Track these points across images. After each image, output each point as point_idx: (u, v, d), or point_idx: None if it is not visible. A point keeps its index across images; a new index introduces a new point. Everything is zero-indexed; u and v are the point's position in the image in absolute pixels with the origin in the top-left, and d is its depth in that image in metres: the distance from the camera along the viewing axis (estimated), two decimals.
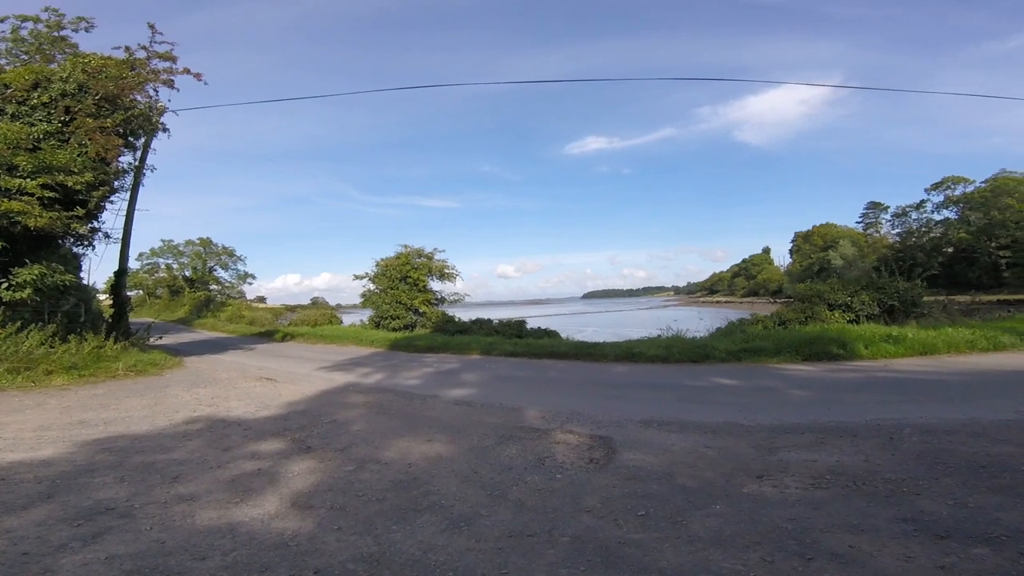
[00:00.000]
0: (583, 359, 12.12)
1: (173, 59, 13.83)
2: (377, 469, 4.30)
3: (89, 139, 11.08)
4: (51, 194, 10.11)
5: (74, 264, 15.90)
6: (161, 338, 15.83)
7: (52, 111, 11.09)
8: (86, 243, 13.43)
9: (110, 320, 14.15)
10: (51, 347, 9.76)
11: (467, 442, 5.13)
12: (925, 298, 14.84)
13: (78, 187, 10.54)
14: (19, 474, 4.23)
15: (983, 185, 52.36)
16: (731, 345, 11.73)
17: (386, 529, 3.19)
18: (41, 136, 10.69)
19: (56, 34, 13.87)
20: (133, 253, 54.00)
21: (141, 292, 55.57)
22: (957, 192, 54.71)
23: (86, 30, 14.06)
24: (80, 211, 10.77)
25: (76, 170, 10.47)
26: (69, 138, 11.06)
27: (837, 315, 13.93)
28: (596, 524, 3.25)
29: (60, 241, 12.16)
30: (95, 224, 13.18)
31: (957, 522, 3.03)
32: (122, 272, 15.89)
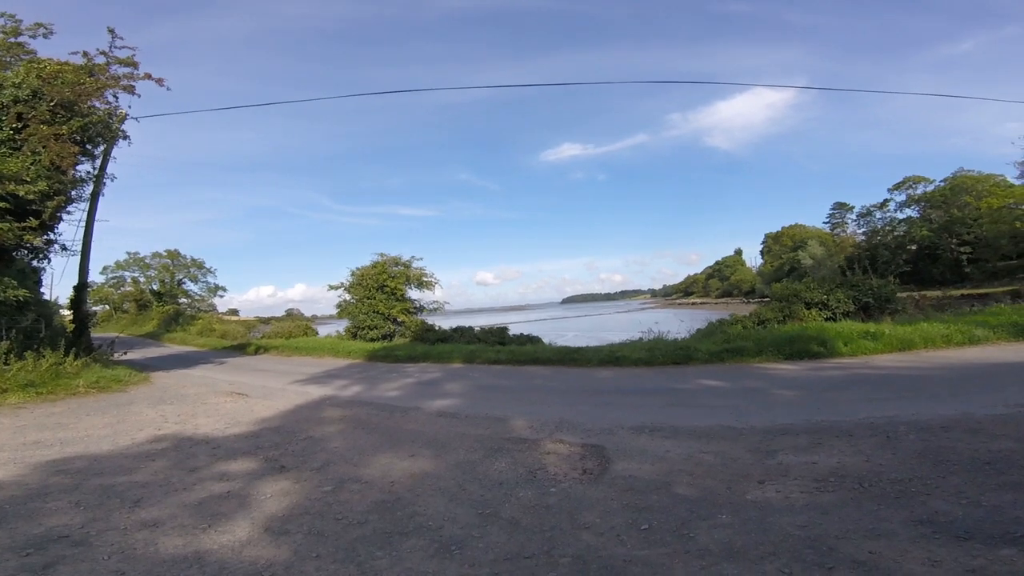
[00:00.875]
0: (567, 365, 11.95)
1: (134, 64, 13.35)
2: (357, 489, 4.00)
3: (43, 147, 10.55)
4: (1, 204, 9.48)
5: (33, 279, 15.07)
6: (126, 353, 15.03)
7: (3, 118, 10.52)
8: (41, 256, 12.80)
9: (71, 335, 13.35)
10: (5, 364, 9.10)
11: (453, 456, 4.86)
12: (898, 295, 15.20)
13: (30, 196, 9.99)
14: None
15: (943, 184, 54.51)
16: (713, 346, 11.75)
17: (369, 556, 2.91)
18: None
19: (13, 40, 13.19)
20: (96, 266, 51.96)
21: (107, 307, 53.48)
22: (918, 191, 56.84)
23: (44, 36, 13.41)
24: (33, 222, 10.15)
25: (28, 179, 9.93)
26: (21, 146, 10.46)
27: (815, 313, 14.15)
28: (597, 542, 3.04)
29: (14, 254, 11.49)
30: (51, 236, 12.57)
31: (976, 522, 2.92)
32: (82, 286, 15.10)
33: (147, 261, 54.83)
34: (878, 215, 62.30)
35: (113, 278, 54.55)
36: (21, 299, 10.24)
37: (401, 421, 6.50)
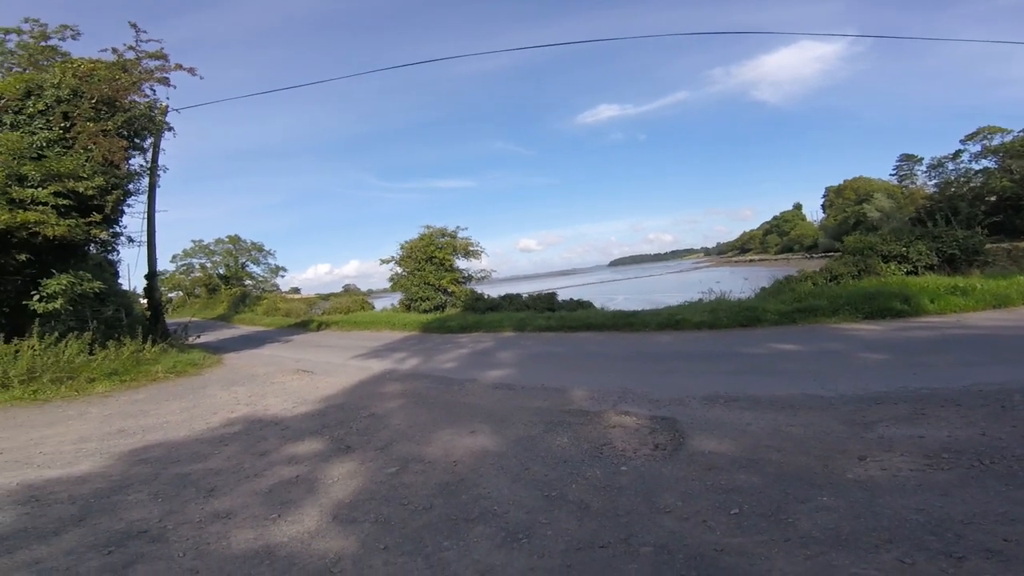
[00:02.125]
0: (622, 330, 11.56)
1: (164, 57, 13.45)
2: (421, 470, 3.93)
3: (93, 143, 10.87)
4: (65, 202, 9.91)
5: (110, 271, 16.19)
6: (199, 336, 16.03)
7: (50, 118, 10.89)
8: (110, 249, 13.52)
9: (148, 323, 14.31)
10: (91, 354, 9.81)
11: (512, 432, 4.72)
12: (987, 246, 13.65)
13: (90, 192, 10.35)
14: (54, 493, 4.04)
15: (1021, 135, 48.76)
16: (782, 306, 11.00)
17: (437, 547, 2.80)
18: (44, 144, 10.55)
19: (44, 44, 13.73)
20: (166, 255, 55.54)
21: (181, 293, 57.38)
22: (995, 142, 51.27)
23: (72, 38, 13.78)
24: (97, 217, 10.61)
25: (85, 175, 10.27)
26: (72, 144, 10.92)
27: (893, 267, 13.08)
28: (681, 528, 2.78)
29: (87, 248, 12.21)
30: (116, 229, 13.16)
31: None
32: (152, 274, 16.01)
33: (211, 247, 57.88)
34: (951, 166, 56.88)
35: (183, 265, 58.12)
36: (97, 291, 10.87)
37: (458, 394, 6.45)
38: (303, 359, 11.13)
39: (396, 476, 3.84)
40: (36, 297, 9.96)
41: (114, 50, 12.94)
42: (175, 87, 13.83)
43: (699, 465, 3.65)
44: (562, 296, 18.28)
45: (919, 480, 3.08)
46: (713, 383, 5.91)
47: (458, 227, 20.46)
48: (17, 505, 3.85)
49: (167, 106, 14.38)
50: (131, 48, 13.16)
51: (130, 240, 14.45)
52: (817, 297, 11.29)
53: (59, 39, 13.72)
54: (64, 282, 10.06)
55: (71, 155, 10.55)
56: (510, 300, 17.88)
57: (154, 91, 13.40)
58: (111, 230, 12.45)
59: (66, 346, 9.40)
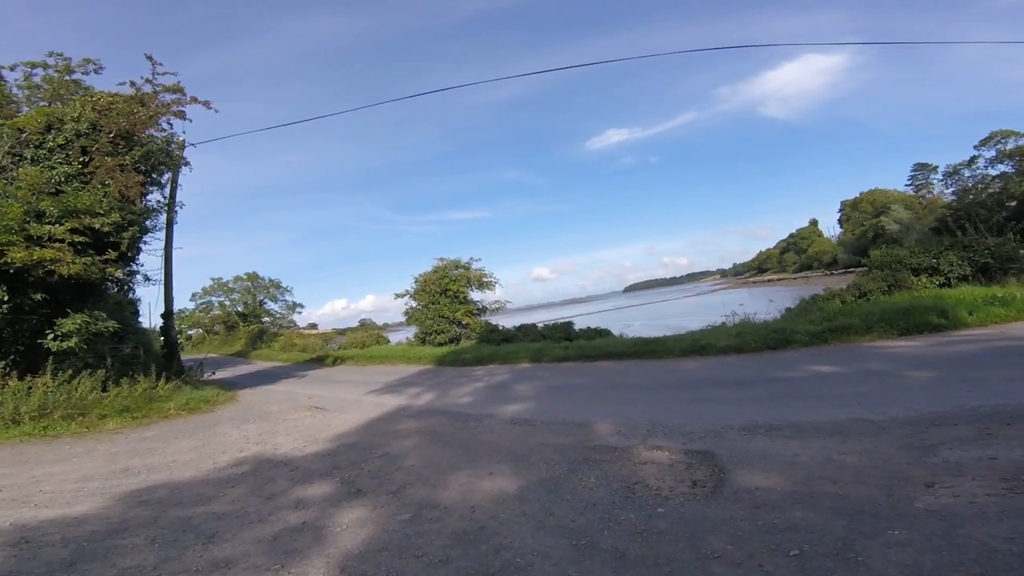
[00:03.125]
0: (644, 357, 11.15)
1: (180, 90, 13.54)
2: (436, 517, 3.59)
3: (110, 178, 10.82)
4: (81, 239, 9.79)
5: (130, 309, 16.29)
6: (215, 373, 15.94)
7: (69, 152, 10.90)
8: (126, 287, 13.42)
9: (162, 360, 14.27)
10: (104, 391, 9.71)
11: (534, 472, 4.36)
12: (1021, 251, 13.05)
13: (106, 229, 10.20)
14: (47, 535, 3.79)
15: None
16: (811, 326, 10.57)
17: None
18: (62, 179, 10.54)
19: (67, 78, 14.10)
20: (185, 292, 56.69)
21: (200, 330, 58.21)
22: (1009, 146, 50.52)
23: (96, 72, 14.03)
24: (113, 254, 10.53)
25: (102, 211, 10.19)
26: (90, 179, 10.84)
27: (924, 280, 12.56)
28: (735, 575, 2.41)
29: (104, 287, 12.17)
30: (133, 267, 13.15)
31: None
32: (168, 313, 16.07)
33: (230, 285, 58.96)
34: (967, 173, 56.05)
35: (202, 303, 59.17)
36: (111, 329, 10.83)
37: (475, 431, 6.10)
38: (317, 395, 10.89)
39: (410, 524, 3.51)
40: (51, 336, 9.95)
41: (132, 83, 13.08)
42: (191, 121, 14.01)
43: (746, 503, 3.30)
44: (578, 324, 17.90)
45: (1001, 506, 2.77)
46: (750, 411, 5.54)
47: (471, 258, 20.39)
48: (6, 547, 3.62)
49: (184, 140, 14.54)
50: (148, 81, 13.29)
51: (146, 279, 14.35)
52: (848, 315, 10.85)
53: (82, 73, 14.03)
54: (79, 321, 10.03)
55: (88, 190, 10.49)
56: (525, 331, 17.57)
57: (171, 125, 13.58)
58: (127, 268, 12.33)
59: (79, 383, 9.32)
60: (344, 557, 3.10)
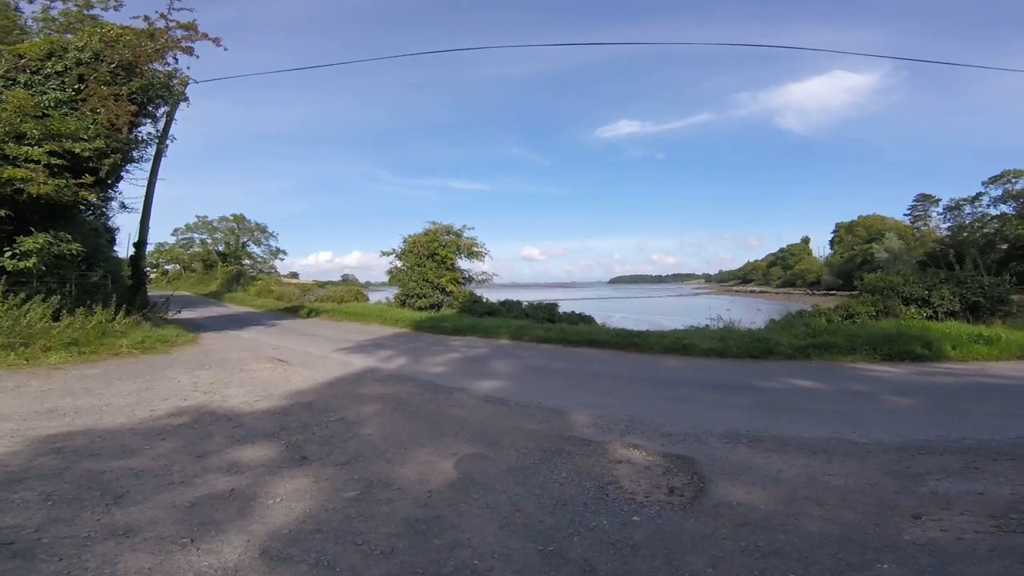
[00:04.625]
0: (626, 349, 10.85)
1: (193, 27, 13.19)
2: (387, 498, 3.19)
3: (102, 106, 10.66)
4: (59, 161, 9.62)
5: (107, 237, 15.61)
6: (180, 312, 15.27)
7: (65, 79, 10.74)
8: (99, 213, 13.08)
9: (127, 293, 13.57)
10: (55, 320, 9.09)
11: (504, 458, 3.99)
12: (1013, 296, 13.11)
13: (86, 154, 10.09)
14: None
15: None
16: (795, 340, 10.41)
17: None
18: (52, 104, 10.32)
19: (86, 12, 13.40)
20: (169, 228, 55.19)
21: (178, 266, 56.83)
22: (1018, 186, 50.55)
23: (115, 8, 13.63)
24: (89, 179, 10.22)
25: (86, 137, 10.03)
26: (80, 106, 10.68)
27: (913, 310, 12.51)
28: None
29: (77, 210, 11.65)
30: (110, 193, 12.77)
31: None
32: (141, 243, 15.32)
33: (214, 224, 57.62)
34: (968, 209, 56.10)
35: (183, 239, 57.80)
36: (75, 252, 10.22)
37: (445, 404, 5.71)
38: (283, 347, 10.39)
39: (355, 503, 3.10)
40: (8, 254, 9.31)
41: (146, 17, 12.73)
42: (198, 57, 13.52)
43: (728, 519, 3.01)
44: (562, 308, 17.57)
45: (991, 544, 2.69)
46: (732, 418, 5.27)
47: (464, 226, 19.76)
48: None
49: (188, 77, 14.06)
50: (162, 16, 12.88)
51: (123, 206, 14.22)
52: (833, 334, 10.72)
53: (102, 8, 13.62)
54: (40, 241, 9.49)
55: (76, 116, 10.31)
56: (509, 307, 17.16)
57: (176, 60, 13.14)
58: (104, 194, 12.07)
59: (28, 310, 8.65)
60: (269, 536, 2.69)
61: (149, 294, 17.01)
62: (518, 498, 3.24)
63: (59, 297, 9.54)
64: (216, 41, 13.62)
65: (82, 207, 11.67)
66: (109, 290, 11.96)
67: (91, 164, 10.39)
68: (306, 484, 3.36)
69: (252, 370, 7.52)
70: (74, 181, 10.03)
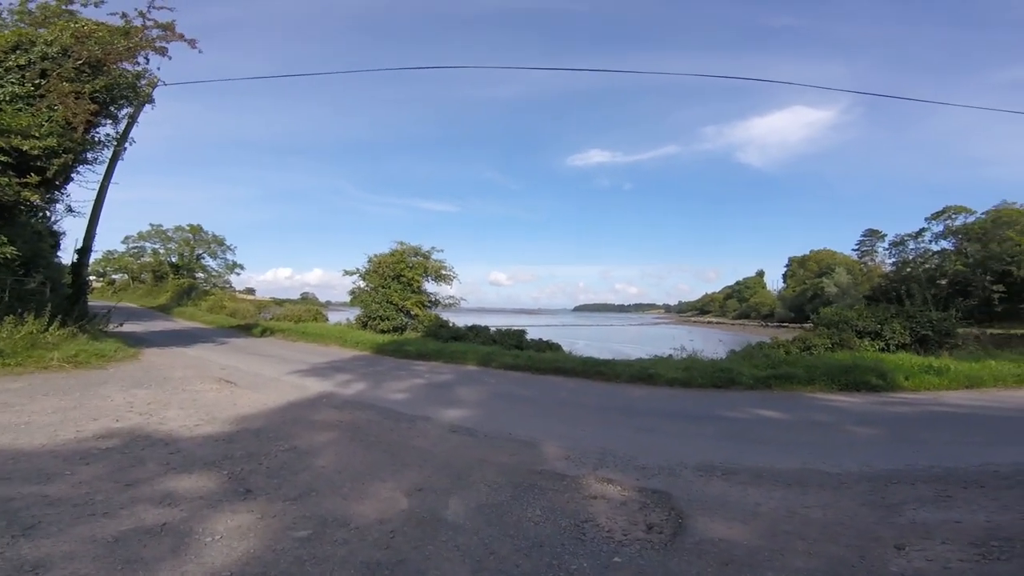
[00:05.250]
0: (593, 378, 10.75)
1: (171, 28, 12.85)
2: (343, 539, 2.86)
3: (60, 103, 10.16)
4: (2, 158, 9.02)
5: (50, 242, 14.50)
6: (122, 324, 14.22)
7: (27, 73, 10.24)
8: (42, 215, 12.22)
9: (66, 302, 12.53)
10: None
11: (472, 495, 3.71)
12: (959, 329, 13.93)
13: (35, 152, 9.44)
14: None
15: (984, 216, 52.07)
16: (756, 370, 10.60)
17: None
18: (7, 98, 9.77)
19: (65, 7, 12.76)
20: (118, 235, 52.37)
21: (126, 276, 53.79)
22: (958, 222, 54.40)
23: (96, 5, 12.95)
24: (34, 178, 9.53)
25: (37, 135, 9.45)
26: (37, 102, 10.09)
27: (867, 343, 13.07)
28: None
29: (19, 211, 10.81)
30: (56, 195, 11.96)
31: None
32: (85, 249, 14.30)
33: (169, 234, 55.18)
34: (911, 245, 59.85)
35: (134, 248, 55.00)
36: (9, 256, 9.40)
37: (407, 434, 5.37)
38: (232, 366, 9.72)
39: (307, 544, 2.76)
40: None
41: (124, 15, 12.38)
42: (171, 59, 13.16)
43: (712, 557, 2.89)
44: (529, 335, 17.41)
45: (978, 572, 2.73)
46: (702, 449, 5.20)
47: (433, 248, 19.44)
48: None
49: (157, 79, 13.62)
50: (141, 14, 12.53)
51: (70, 209, 13.39)
52: (792, 365, 11.01)
53: (81, 4, 12.89)
54: None
55: (30, 112, 9.78)
56: (477, 332, 16.85)
57: (147, 60, 12.76)
58: (49, 195, 11.32)
59: None
60: None
61: (91, 304, 15.85)
62: (490, 539, 2.98)
63: None
64: (192, 43, 13.33)
65: (23, 208, 10.81)
66: (46, 298, 11.08)
67: (39, 163, 9.87)
68: (250, 520, 2.99)
69: (196, 391, 6.94)
70: (17, 180, 9.44)
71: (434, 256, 19.28)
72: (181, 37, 13.00)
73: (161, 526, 2.83)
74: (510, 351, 13.86)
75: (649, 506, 3.67)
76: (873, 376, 9.94)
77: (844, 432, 6.31)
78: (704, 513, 3.52)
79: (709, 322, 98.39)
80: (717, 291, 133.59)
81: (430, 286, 19.25)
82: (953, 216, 54.85)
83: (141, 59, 12.58)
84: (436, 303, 19.34)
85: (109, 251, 53.24)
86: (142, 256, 54.77)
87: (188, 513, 3.03)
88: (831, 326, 13.71)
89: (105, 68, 11.12)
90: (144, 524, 2.84)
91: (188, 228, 55.70)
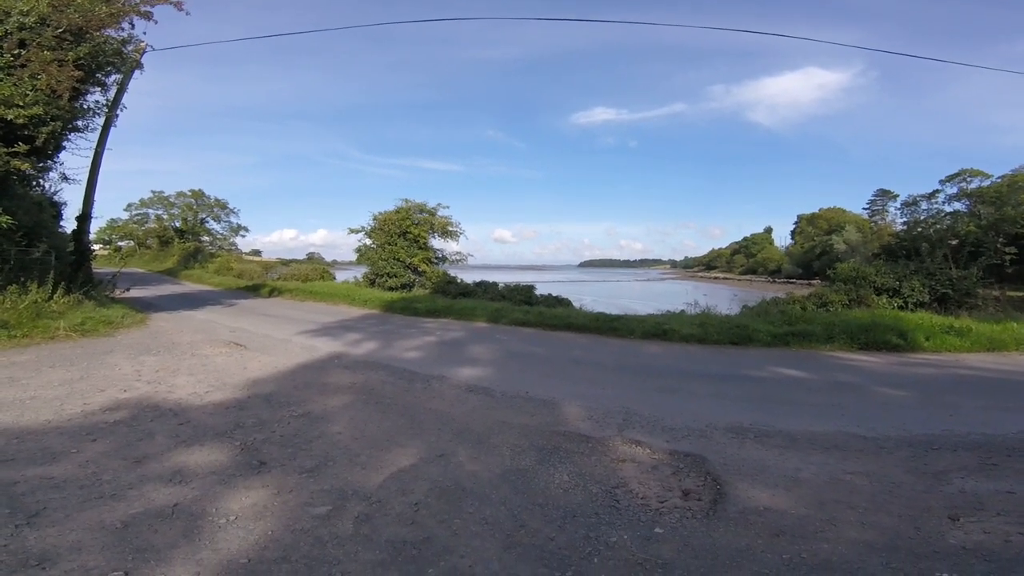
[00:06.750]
0: (606, 334, 10.57)
1: None
2: (365, 514, 2.68)
3: (43, 71, 9.62)
4: None
5: (52, 212, 14.24)
6: (128, 290, 14.07)
7: (4, 44, 9.66)
8: (35, 183, 11.94)
9: (69, 270, 12.34)
10: None
11: (496, 459, 3.54)
12: (979, 289, 13.51)
13: (20, 121, 9.15)
14: None
15: (999, 180, 50.63)
16: (772, 327, 10.38)
17: None
18: None
19: None
20: (121, 203, 51.92)
21: (131, 243, 53.63)
22: (972, 185, 52.96)
23: None
24: (23, 147, 9.32)
25: (21, 104, 9.13)
26: (17, 71, 9.62)
27: (884, 300, 12.73)
28: None
29: (12, 181, 10.53)
30: (48, 164, 11.62)
31: None
32: (85, 216, 13.98)
33: (171, 200, 54.59)
34: (924, 205, 58.49)
35: (138, 215, 54.54)
36: (5, 225, 9.13)
37: (422, 396, 5.21)
38: (240, 329, 9.58)
39: (327, 521, 2.59)
40: None
41: None
42: (156, 23, 12.36)
43: (760, 528, 2.71)
44: (538, 291, 17.19)
45: None
46: (730, 410, 5.01)
47: (439, 204, 18.98)
48: None
49: (145, 44, 13.02)
50: None
51: (64, 177, 12.95)
52: (809, 322, 10.74)
53: None
54: None
55: (12, 82, 9.32)
56: (485, 288, 16.63)
57: (132, 25, 12.01)
58: (41, 164, 11.01)
59: None
60: (224, 567, 2.17)
61: (97, 271, 15.69)
62: (519, 510, 2.81)
63: None
64: (178, 5, 12.51)
65: (15, 177, 10.53)
66: (53, 265, 10.92)
67: (26, 132, 9.54)
68: (266, 497, 2.82)
69: (204, 356, 6.79)
70: (5, 150, 9.17)
71: (440, 212, 18.88)
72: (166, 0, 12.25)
73: (172, 507, 2.67)
74: (519, 307, 13.68)
75: (683, 470, 3.50)
76: (893, 335, 9.67)
77: (872, 394, 6.10)
78: (743, 479, 3.34)
79: (716, 278, 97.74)
80: (723, 247, 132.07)
81: (436, 242, 18.97)
82: (968, 179, 53.35)
83: (126, 25, 11.89)
84: (443, 259, 19.11)
85: (113, 219, 52.80)
86: (146, 223, 54.39)
87: (200, 491, 2.86)
88: (848, 282, 13.35)
89: (88, 35, 10.56)
90: (154, 505, 2.68)
91: (190, 193, 55.08)
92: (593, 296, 33.78)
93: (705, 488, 3.24)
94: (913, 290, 12.58)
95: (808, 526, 2.72)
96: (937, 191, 56.47)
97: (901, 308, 12.42)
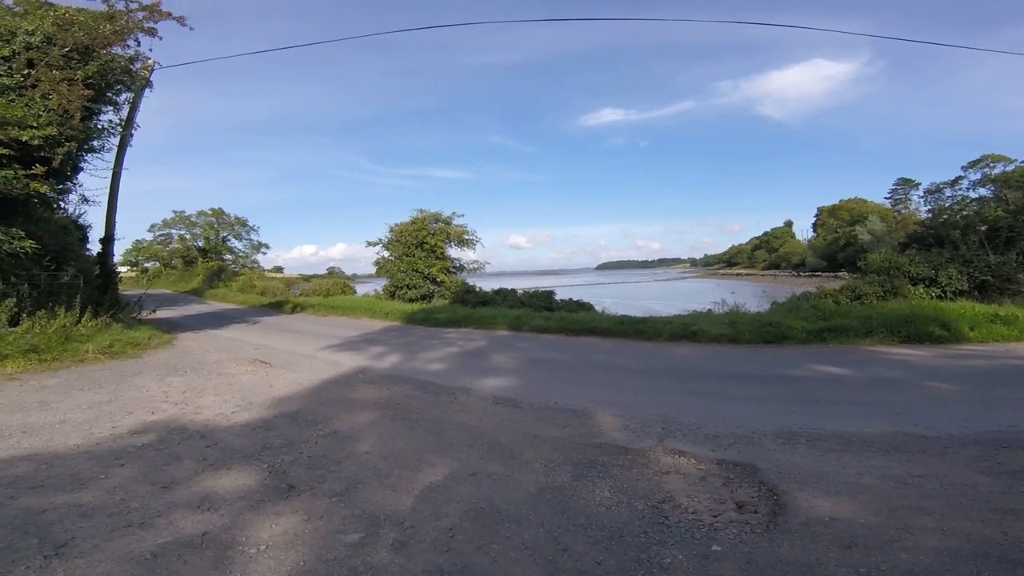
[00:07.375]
0: (631, 337, 10.31)
1: (156, 8, 12.23)
2: (399, 541, 2.53)
3: (53, 91, 9.82)
4: (4, 151, 8.85)
5: (78, 235, 14.61)
6: (155, 311, 14.33)
7: (13, 64, 9.85)
8: (55, 206, 12.22)
9: (95, 293, 12.60)
10: (12, 325, 8.25)
11: (530, 476, 3.36)
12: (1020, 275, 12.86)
13: (36, 142, 9.27)
14: None
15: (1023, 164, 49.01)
16: (807, 323, 10.00)
17: None
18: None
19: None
20: (144, 224, 53.37)
21: (157, 263, 55.05)
22: (996, 171, 51.21)
23: None
24: (40, 169, 9.42)
25: (35, 124, 9.22)
26: (28, 91, 9.87)
27: (921, 290, 12.19)
28: None
29: (32, 204, 10.77)
30: (67, 185, 11.87)
31: None
32: (108, 239, 14.25)
33: (192, 219, 55.84)
34: (948, 193, 56.74)
35: (161, 235, 55.94)
36: (28, 251, 9.36)
37: (449, 409, 5.06)
38: (265, 346, 9.61)
39: (360, 550, 2.44)
40: None
41: None
42: (161, 39, 12.52)
43: (828, 540, 2.49)
44: (558, 296, 16.97)
45: None
46: (774, 413, 4.75)
47: (454, 213, 18.96)
48: None
49: (154, 62, 13.15)
50: None
51: (84, 199, 13.27)
52: (845, 316, 10.30)
53: None
54: None
55: (24, 102, 9.47)
56: (504, 296, 16.48)
57: (138, 43, 12.19)
58: (60, 186, 11.19)
59: None
60: None
61: (124, 293, 16.03)
62: (560, 531, 2.62)
63: (14, 300, 8.65)
64: (180, 20, 12.72)
65: (36, 200, 10.75)
66: (82, 289, 11.16)
67: (42, 153, 9.65)
68: (296, 524, 2.69)
69: (231, 374, 6.77)
70: (23, 172, 9.27)
71: (455, 221, 18.86)
72: (168, 15, 12.45)
73: (201, 536, 2.56)
74: (540, 313, 13.50)
75: (734, 481, 3.27)
76: (936, 327, 9.23)
77: (922, 389, 5.76)
78: (801, 487, 3.10)
79: (738, 274, 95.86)
80: (744, 242, 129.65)
81: (453, 251, 18.93)
82: (991, 164, 51.58)
83: (131, 42, 12.11)
84: (461, 268, 19.06)
85: (138, 240, 54.28)
86: (170, 243, 55.80)
87: (229, 518, 2.75)
88: (880, 272, 12.84)
89: (94, 53, 10.76)
90: (183, 534, 2.57)
91: (210, 212, 56.27)
92: (613, 298, 33.35)
93: (761, 499, 3.01)
94: (951, 278, 12.07)
95: (882, 535, 2.50)
96: (960, 178, 54.82)
97: (940, 298, 11.91)
